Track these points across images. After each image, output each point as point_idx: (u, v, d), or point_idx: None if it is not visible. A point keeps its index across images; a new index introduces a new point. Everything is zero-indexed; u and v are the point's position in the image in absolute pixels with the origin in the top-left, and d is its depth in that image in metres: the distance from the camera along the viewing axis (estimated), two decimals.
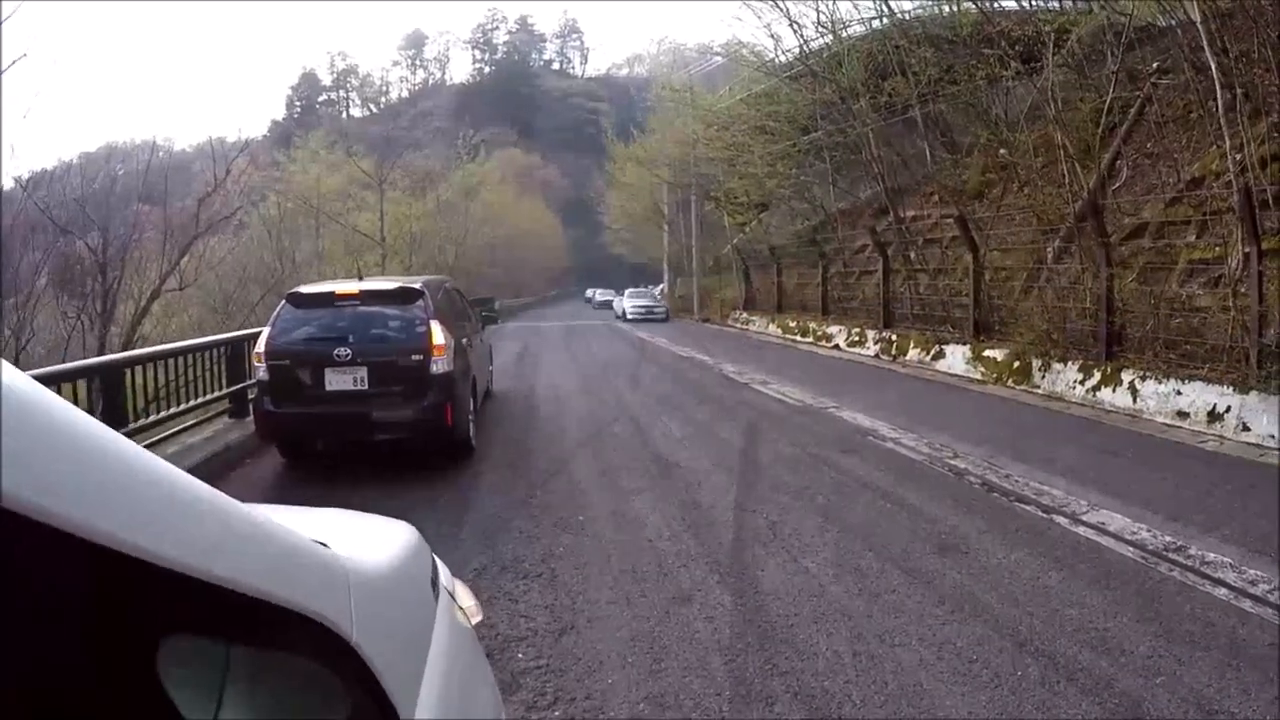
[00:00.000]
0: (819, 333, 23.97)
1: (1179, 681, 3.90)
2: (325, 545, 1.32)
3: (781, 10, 26.80)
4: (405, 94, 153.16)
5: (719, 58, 39.37)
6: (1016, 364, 14.08)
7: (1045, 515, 6.66)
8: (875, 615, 4.74)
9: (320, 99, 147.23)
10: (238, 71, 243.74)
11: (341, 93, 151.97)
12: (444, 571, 2.15)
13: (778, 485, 7.70)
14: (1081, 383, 12.33)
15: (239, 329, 13.21)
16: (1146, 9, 16.59)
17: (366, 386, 8.10)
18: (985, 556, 5.71)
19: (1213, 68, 12.87)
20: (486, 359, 12.99)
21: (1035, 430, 10.46)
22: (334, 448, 8.98)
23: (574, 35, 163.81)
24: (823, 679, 3.99)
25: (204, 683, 0.91)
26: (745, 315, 32.94)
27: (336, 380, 8.09)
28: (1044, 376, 13.27)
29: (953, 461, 8.57)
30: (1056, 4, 22.11)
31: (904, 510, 6.86)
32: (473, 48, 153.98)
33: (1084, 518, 6.55)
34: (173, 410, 9.06)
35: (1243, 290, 10.69)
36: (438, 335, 8.29)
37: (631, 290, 48.14)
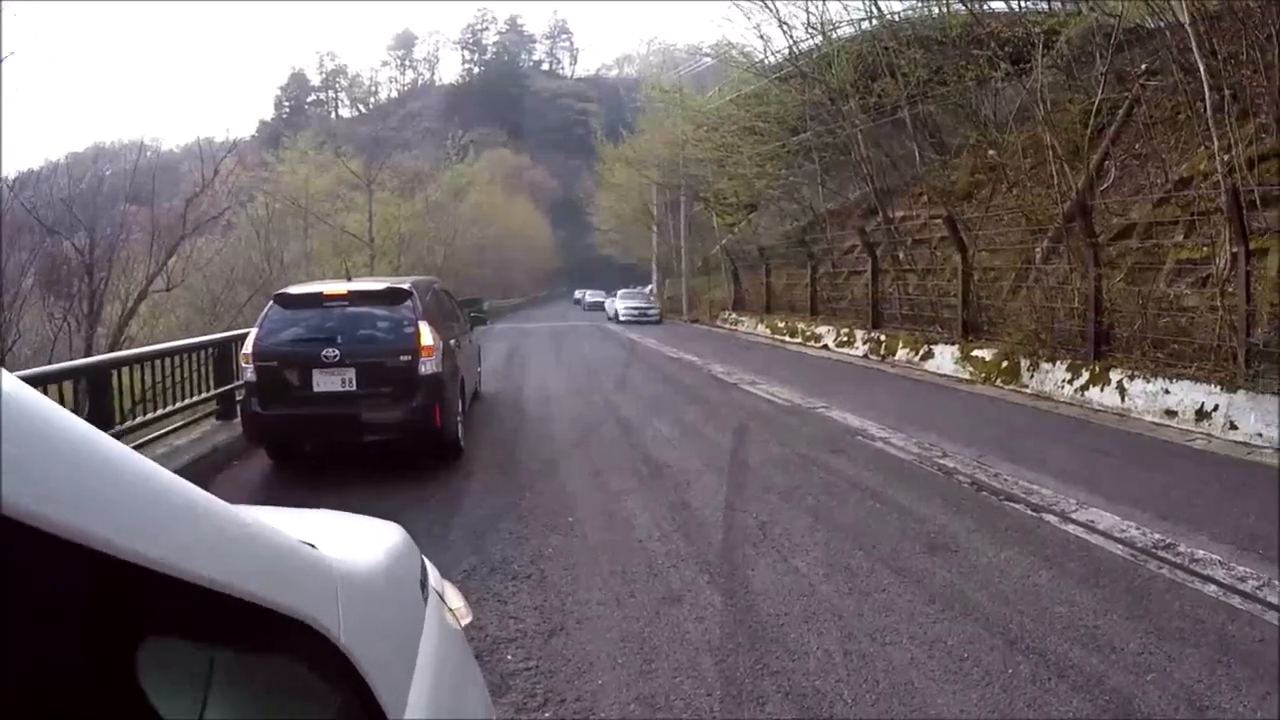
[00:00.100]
0: (808, 333, 23.99)
1: (1169, 678, 3.91)
2: (312, 546, 1.30)
3: (771, 11, 26.68)
4: (394, 94, 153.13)
5: (708, 59, 39.35)
6: (1005, 364, 14.11)
7: (1034, 514, 6.66)
8: (866, 614, 4.72)
9: (309, 99, 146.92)
10: (226, 72, 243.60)
11: (330, 93, 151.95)
12: (433, 573, 2.13)
13: (767, 485, 7.68)
14: (1070, 382, 12.36)
15: (226, 330, 13.13)
16: (1135, 11, 16.64)
17: (355, 387, 8.04)
18: (975, 555, 5.70)
19: (1201, 69, 12.93)
20: (475, 360, 12.94)
21: (1024, 429, 10.47)
22: (322, 449, 8.93)
23: (563, 36, 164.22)
24: (814, 678, 3.97)
25: (187, 684, 0.90)
26: (734, 316, 32.95)
27: (324, 381, 8.02)
28: (1032, 376, 13.30)
29: (942, 461, 8.57)
30: (1045, 6, 22.23)
31: (893, 510, 6.84)
32: (462, 48, 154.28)
33: (1073, 516, 6.55)
34: (160, 412, 8.97)
35: (1230, 290, 10.75)
36: (426, 336, 8.24)
37: (624, 291, 47.19)
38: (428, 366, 8.20)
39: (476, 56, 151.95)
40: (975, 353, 15.22)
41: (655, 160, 43.75)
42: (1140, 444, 9.60)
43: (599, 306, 54.47)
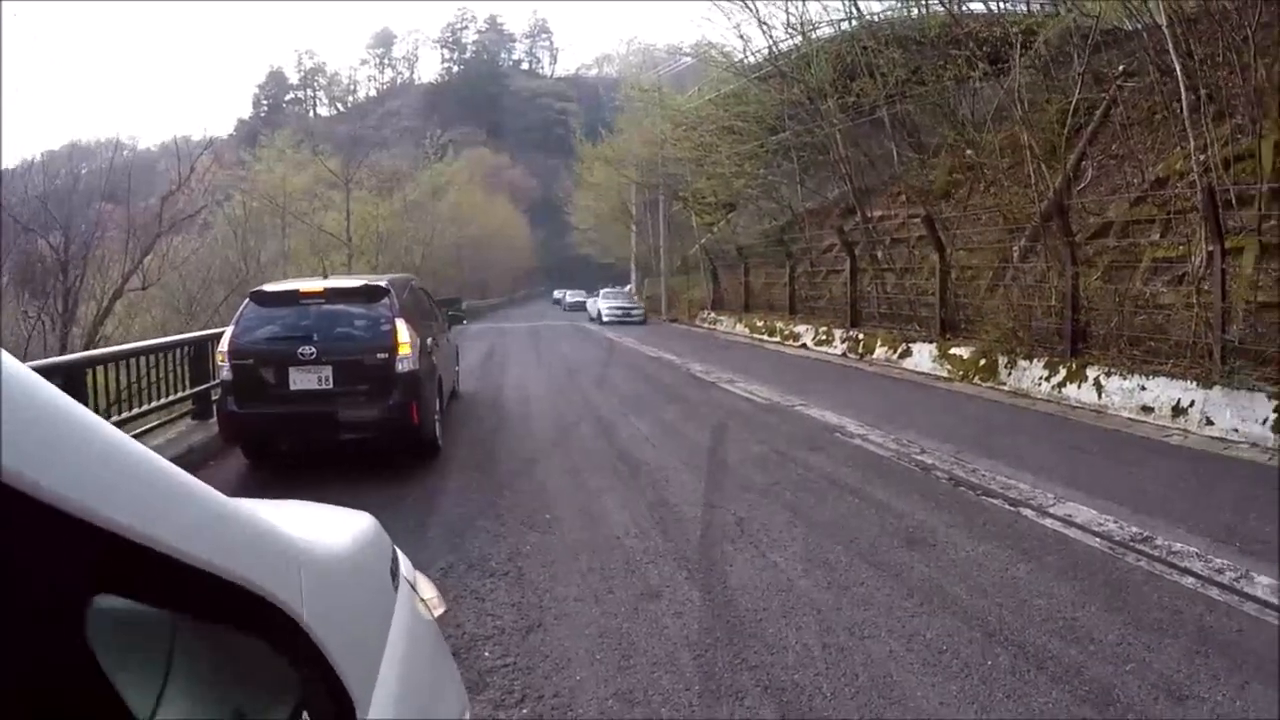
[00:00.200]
0: (786, 332, 24.01)
1: (1148, 668, 3.92)
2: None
3: (751, 11, 26.81)
4: (373, 93, 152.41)
5: (688, 58, 39.37)
6: (983, 361, 14.16)
7: (1012, 508, 6.67)
8: (844, 608, 4.71)
9: (287, 98, 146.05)
10: (204, 70, 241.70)
11: (309, 91, 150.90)
12: (405, 563, 2.11)
13: (746, 483, 7.66)
14: (1047, 379, 12.42)
15: (202, 330, 13.01)
16: (1113, 12, 16.75)
17: (331, 385, 7.97)
18: (953, 549, 5.71)
19: (1178, 70, 13.05)
20: (453, 359, 12.89)
21: (1001, 426, 10.50)
22: (298, 448, 8.85)
23: (543, 35, 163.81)
24: (792, 672, 3.96)
25: (148, 652, 0.92)
26: (713, 315, 32.96)
27: (301, 379, 7.95)
28: (1010, 374, 13.35)
29: (920, 457, 8.58)
30: (1024, 7, 22.32)
31: (872, 505, 6.84)
32: (441, 47, 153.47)
33: (1051, 510, 6.57)
34: (135, 411, 8.88)
35: (1206, 288, 10.82)
36: (403, 333, 8.19)
37: (607, 290, 46.62)
38: (404, 364, 8.15)
39: (456, 55, 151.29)
40: (953, 351, 15.27)
41: (634, 159, 43.79)
42: (1117, 440, 9.64)
43: (580, 307, 53.80)
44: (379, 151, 61.73)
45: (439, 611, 2.16)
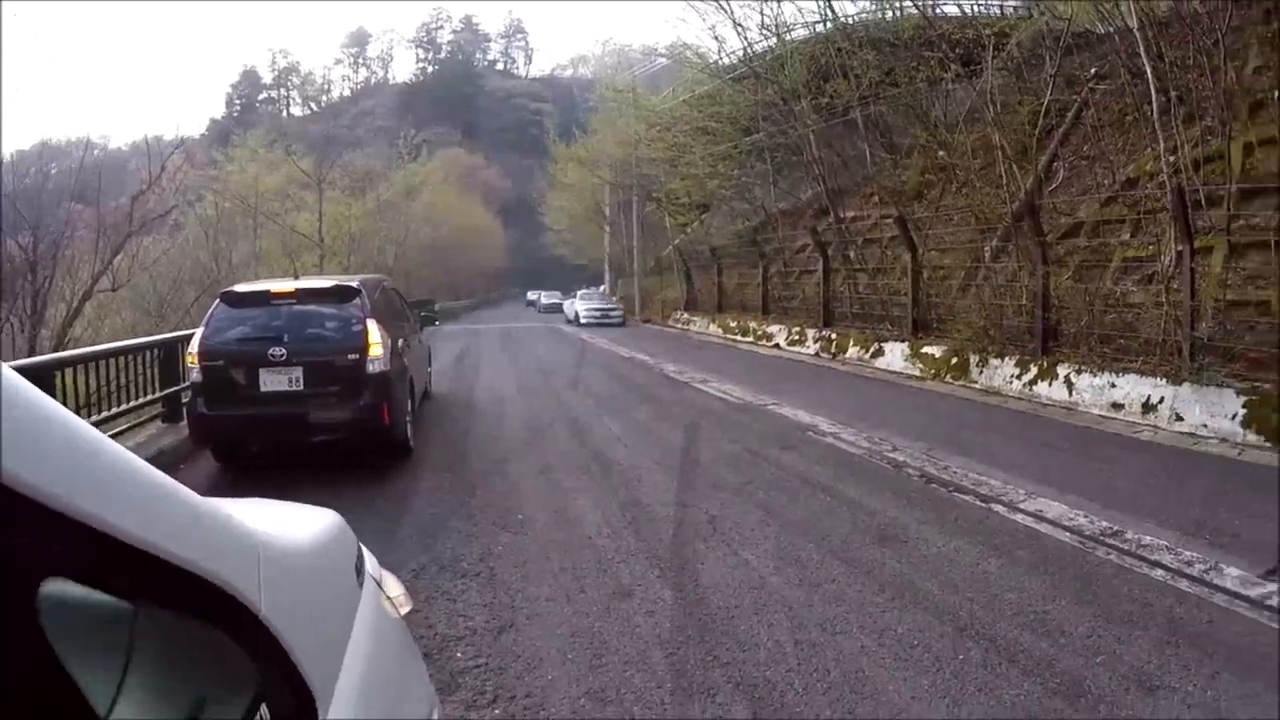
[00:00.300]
0: (759, 332, 24.02)
1: (1119, 660, 3.93)
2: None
3: (726, 12, 26.81)
4: (347, 92, 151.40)
5: (663, 59, 39.38)
6: (954, 360, 14.22)
7: (983, 504, 6.70)
8: (816, 605, 4.71)
9: (260, 97, 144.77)
10: (177, 69, 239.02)
11: (282, 91, 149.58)
12: (370, 560, 2.10)
13: (718, 482, 7.64)
14: (1018, 377, 12.48)
15: (173, 331, 12.83)
16: (1085, 15, 16.89)
17: (302, 387, 7.88)
18: (925, 546, 5.71)
19: (1149, 73, 13.18)
20: (425, 360, 12.83)
21: (973, 424, 10.54)
22: (269, 450, 8.71)
23: (519, 35, 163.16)
24: (764, 669, 3.95)
25: (108, 643, 0.91)
26: (686, 316, 32.95)
27: (272, 381, 7.86)
28: (981, 372, 13.41)
29: (892, 455, 8.59)
30: (997, 9, 22.45)
31: (844, 503, 6.84)
32: (416, 46, 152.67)
33: (1022, 506, 6.59)
34: (104, 414, 8.71)
35: (1175, 286, 10.92)
36: (374, 334, 8.12)
37: (584, 291, 46.16)
38: (375, 365, 8.07)
39: (431, 55, 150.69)
40: (925, 350, 15.32)
41: (608, 160, 43.68)
42: (1088, 436, 9.71)
43: (555, 309, 52.56)
44: (352, 151, 61.34)
45: (405, 609, 2.14)
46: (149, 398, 9.81)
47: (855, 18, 24.12)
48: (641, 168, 38.73)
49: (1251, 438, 8.82)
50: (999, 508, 6.58)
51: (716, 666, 3.99)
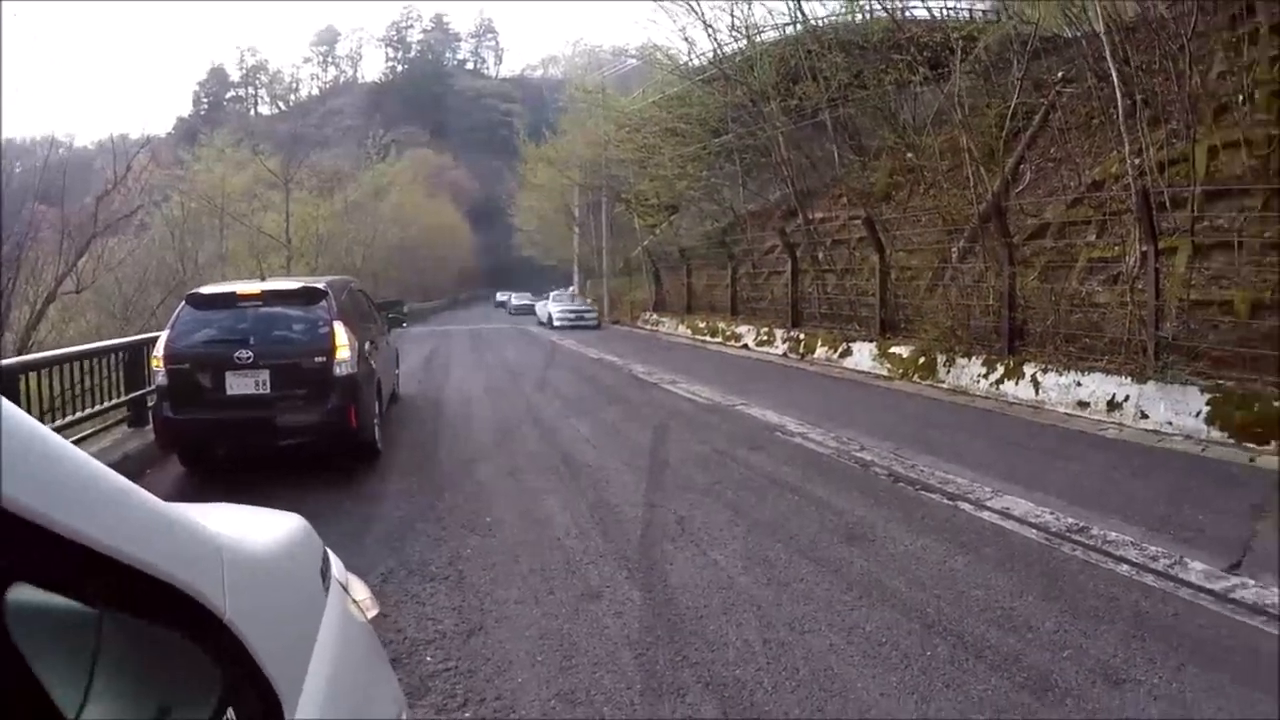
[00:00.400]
0: (728, 333, 24.05)
1: (1085, 654, 3.96)
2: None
3: (696, 14, 26.92)
4: (316, 91, 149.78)
5: (633, 60, 39.48)
6: (922, 360, 14.28)
7: (950, 502, 6.72)
8: (784, 604, 4.71)
9: (228, 95, 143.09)
10: (144, 65, 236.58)
11: (250, 89, 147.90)
12: (336, 564, 2.09)
13: (686, 482, 7.62)
14: (985, 376, 12.55)
15: (138, 334, 12.62)
16: (1052, 20, 17.05)
17: (269, 390, 7.78)
18: (892, 544, 5.72)
19: (1115, 77, 13.32)
20: (393, 362, 12.74)
21: (940, 423, 10.59)
22: (236, 454, 8.60)
23: (489, 35, 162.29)
24: (734, 668, 3.95)
25: (73, 649, 0.91)
26: (655, 317, 32.95)
27: (238, 384, 7.75)
28: (949, 371, 13.48)
29: (859, 454, 8.61)
30: (966, 13, 22.62)
31: (812, 503, 6.84)
32: (386, 45, 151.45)
33: (988, 504, 6.62)
34: (69, 419, 8.53)
35: (1140, 286, 11.04)
36: (341, 336, 8.03)
37: (557, 293, 45.38)
38: (343, 368, 7.99)
39: (400, 54, 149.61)
40: (893, 350, 15.38)
41: (578, 161, 43.65)
42: (1054, 434, 9.78)
43: (527, 310, 51.79)
44: (320, 151, 61.07)
45: (372, 613, 2.13)
46: (114, 402, 9.61)
47: (825, 20, 24.30)
48: (611, 168, 38.68)
49: (1215, 434, 8.93)
50: (966, 505, 6.60)
51: (686, 666, 3.98)
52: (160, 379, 7.86)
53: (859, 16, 23.44)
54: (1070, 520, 6.08)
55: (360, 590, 2.15)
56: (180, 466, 8.59)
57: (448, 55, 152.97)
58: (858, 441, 9.19)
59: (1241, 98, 12.66)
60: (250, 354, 7.74)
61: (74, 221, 24.85)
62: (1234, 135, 12.37)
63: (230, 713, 1.14)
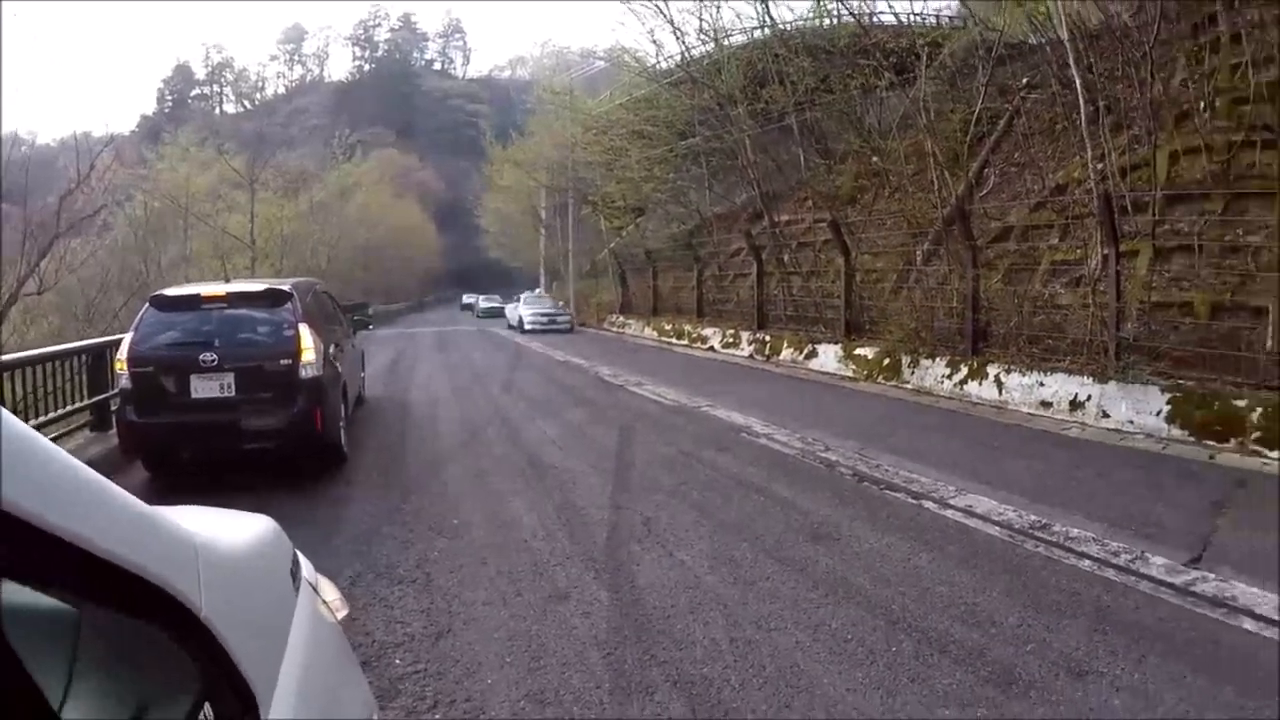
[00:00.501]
0: (694, 335, 24.05)
1: (1048, 647, 4.00)
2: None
3: (665, 16, 26.98)
4: (282, 90, 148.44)
5: (601, 62, 39.54)
6: (887, 361, 14.35)
7: (914, 501, 6.75)
8: (751, 602, 4.72)
9: (193, 93, 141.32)
10: (109, 62, 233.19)
11: (215, 87, 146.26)
12: (306, 565, 2.10)
13: (652, 484, 7.61)
14: (949, 377, 12.63)
15: (101, 337, 12.42)
16: (1018, 27, 17.23)
17: (234, 393, 7.68)
18: (857, 542, 5.74)
19: (1078, 83, 13.48)
20: (359, 365, 12.65)
21: (905, 423, 10.65)
22: (201, 458, 8.47)
23: (457, 35, 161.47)
24: (701, 666, 3.96)
25: (55, 645, 0.97)
26: (621, 319, 32.91)
27: (203, 387, 7.64)
28: (913, 372, 13.55)
29: (824, 454, 8.63)
30: (932, 19, 22.85)
31: (777, 503, 6.86)
32: (353, 44, 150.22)
33: (952, 502, 6.66)
34: (31, 423, 8.38)
35: (1102, 289, 11.16)
36: (306, 339, 7.95)
37: (528, 295, 43.42)
38: (308, 370, 7.90)
39: (368, 54, 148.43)
40: (858, 351, 15.44)
41: (545, 163, 43.55)
42: (1017, 433, 9.87)
43: (496, 313, 50.61)
44: (286, 151, 60.61)
45: (342, 614, 2.14)
46: (77, 405, 9.47)
47: (792, 25, 24.43)
48: (578, 170, 38.59)
49: (1176, 433, 9.06)
50: (930, 504, 6.63)
51: (654, 665, 3.99)
52: (124, 382, 7.75)
53: (826, 22, 23.66)
54: (1033, 517, 6.13)
55: (330, 591, 2.16)
56: (144, 471, 8.44)
57: (415, 55, 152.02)
58: (823, 442, 9.21)
59: (1202, 105, 12.88)
60: (215, 357, 7.63)
61: (36, 221, 24.44)
62: (1195, 141, 12.58)
63: (207, 708, 1.16)
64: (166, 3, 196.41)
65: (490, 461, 8.81)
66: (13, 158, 29.21)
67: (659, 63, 29.70)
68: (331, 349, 8.85)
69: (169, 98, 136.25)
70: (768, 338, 19.47)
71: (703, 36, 25.85)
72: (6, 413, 0.89)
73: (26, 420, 8.20)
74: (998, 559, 5.30)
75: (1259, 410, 8.43)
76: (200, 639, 1.17)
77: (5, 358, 8.88)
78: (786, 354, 18.09)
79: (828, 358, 16.42)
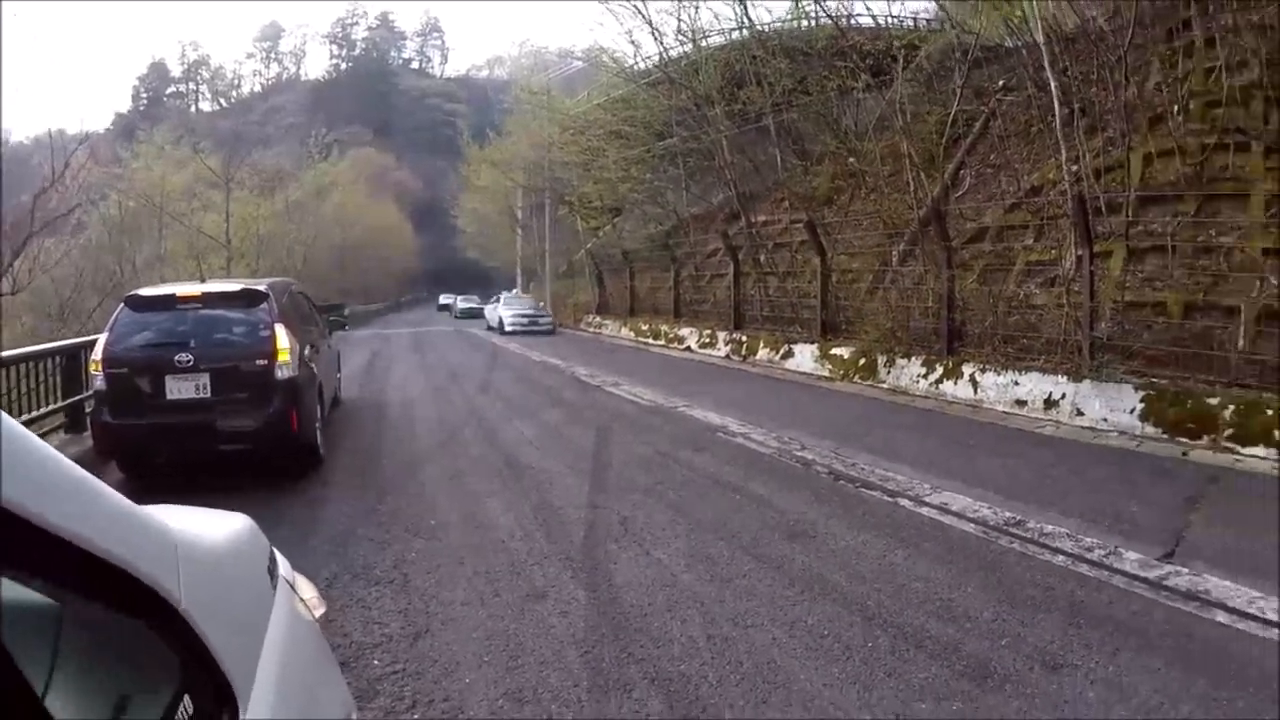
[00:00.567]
0: (671, 335, 24.06)
1: (1023, 642, 4.03)
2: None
3: (643, 16, 27.00)
4: (258, 88, 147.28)
5: (579, 62, 39.47)
6: (862, 361, 14.40)
7: (890, 499, 6.78)
8: (728, 600, 4.74)
9: (169, 91, 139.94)
10: (84, 58, 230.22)
11: (191, 85, 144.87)
12: (283, 563, 2.11)
13: (629, 483, 7.62)
14: (925, 376, 12.69)
15: (75, 337, 12.28)
16: (994, 30, 17.33)
17: (209, 394, 7.63)
18: (833, 540, 5.76)
19: (1053, 86, 13.58)
20: (335, 366, 12.58)
21: (881, 422, 10.70)
22: (177, 460, 8.37)
23: (435, 34, 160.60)
24: (679, 663, 3.97)
25: (37, 636, 0.96)
26: (598, 319, 32.87)
27: (178, 388, 7.58)
28: (889, 372, 13.61)
29: (801, 454, 8.66)
30: (909, 22, 22.93)
31: (753, 501, 6.88)
32: (330, 43, 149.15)
33: (928, 499, 6.70)
34: None
35: (1076, 289, 11.23)
36: (282, 339, 7.92)
37: (508, 296, 42.42)
38: (284, 371, 7.86)
39: (345, 52, 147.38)
40: (834, 351, 15.48)
41: (522, 163, 43.39)
42: (992, 432, 9.94)
43: (474, 314, 49.91)
44: (262, 150, 60.22)
45: (319, 611, 2.15)
46: (51, 407, 9.37)
47: (770, 26, 24.45)
48: (555, 171, 38.50)
49: (1149, 430, 9.13)
50: (905, 502, 6.67)
51: (632, 663, 4.00)
52: (99, 383, 7.68)
53: (804, 23, 23.71)
54: (1008, 514, 6.18)
55: (307, 589, 2.16)
56: (120, 473, 8.34)
57: (393, 54, 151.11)
58: (799, 441, 9.24)
59: (1176, 108, 13.00)
60: (190, 357, 7.58)
61: (10, 220, 24.22)
62: (1168, 144, 12.69)
63: (186, 700, 1.16)
64: (142, 0, 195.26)
65: (467, 462, 8.79)
66: None
67: (637, 63, 29.67)
68: (307, 350, 8.81)
69: (144, 95, 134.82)
70: (744, 338, 19.50)
71: (681, 37, 25.84)
72: (5, 415, 0.90)
73: None
74: (973, 555, 5.33)
75: (1231, 408, 8.52)
76: (180, 633, 1.19)
77: None
78: (763, 354, 18.12)
79: (804, 358, 16.45)
